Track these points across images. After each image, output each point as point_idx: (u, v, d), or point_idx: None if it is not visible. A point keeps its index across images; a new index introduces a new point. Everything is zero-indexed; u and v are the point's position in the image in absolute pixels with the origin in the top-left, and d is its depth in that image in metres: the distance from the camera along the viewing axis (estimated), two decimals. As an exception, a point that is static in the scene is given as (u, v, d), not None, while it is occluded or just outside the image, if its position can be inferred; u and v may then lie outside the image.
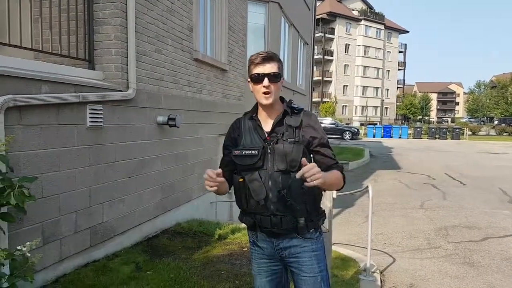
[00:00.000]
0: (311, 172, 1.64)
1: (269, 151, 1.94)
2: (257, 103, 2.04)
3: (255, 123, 2.03)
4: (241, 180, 1.98)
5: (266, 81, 1.91)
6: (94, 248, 3.91)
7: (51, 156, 3.29)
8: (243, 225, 2.13)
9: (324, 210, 2.12)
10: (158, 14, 4.85)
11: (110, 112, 4.02)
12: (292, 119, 1.98)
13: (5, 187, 2.44)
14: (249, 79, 1.99)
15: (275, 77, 1.93)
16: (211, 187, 1.81)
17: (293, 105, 2.04)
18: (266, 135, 1.98)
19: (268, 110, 2.00)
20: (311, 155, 1.99)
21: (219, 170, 1.81)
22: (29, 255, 2.47)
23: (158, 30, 4.86)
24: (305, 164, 1.66)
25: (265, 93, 1.93)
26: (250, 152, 1.95)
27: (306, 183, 1.65)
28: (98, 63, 4.13)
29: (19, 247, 2.43)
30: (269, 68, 1.93)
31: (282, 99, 2.06)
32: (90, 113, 3.71)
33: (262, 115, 2.04)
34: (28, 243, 2.46)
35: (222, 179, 1.82)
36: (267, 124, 2.01)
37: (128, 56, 4.21)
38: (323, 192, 2.05)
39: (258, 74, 1.92)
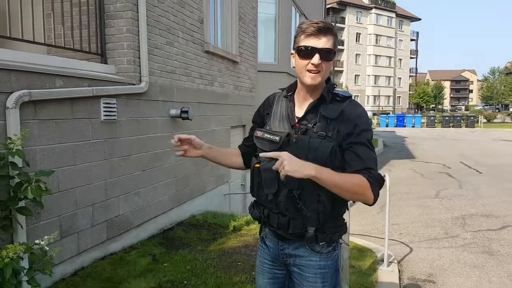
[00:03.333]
0: (279, 162, 1.41)
1: (294, 140, 1.63)
2: (297, 80, 1.72)
3: (288, 104, 1.73)
4: (257, 165, 1.72)
5: (316, 58, 1.56)
6: (110, 241, 3.93)
7: (67, 150, 3.31)
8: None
9: (345, 222, 1.76)
10: (169, 6, 4.82)
11: (123, 106, 4.02)
12: (329, 108, 1.63)
13: (22, 182, 2.46)
14: (293, 51, 1.65)
15: (328, 54, 1.59)
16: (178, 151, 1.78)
17: (336, 91, 1.67)
18: (296, 120, 1.68)
19: (309, 91, 1.68)
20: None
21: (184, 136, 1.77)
22: (47, 248, 2.49)
23: (169, 22, 4.84)
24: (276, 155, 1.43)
25: (311, 71, 1.59)
26: (271, 137, 1.67)
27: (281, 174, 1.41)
28: (110, 57, 4.13)
29: (37, 241, 2.45)
30: (324, 42, 1.57)
31: (327, 80, 1.70)
32: (104, 107, 3.72)
33: (299, 96, 1.72)
34: (46, 237, 2.48)
35: (193, 140, 1.77)
36: (301, 108, 1.69)
37: (140, 49, 4.20)
38: (349, 203, 1.71)
39: (308, 47, 1.57)
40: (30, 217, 2.75)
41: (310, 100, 1.67)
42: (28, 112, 2.90)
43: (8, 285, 2.07)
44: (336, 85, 1.73)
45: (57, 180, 3.20)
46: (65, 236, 3.33)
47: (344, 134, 1.58)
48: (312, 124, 1.63)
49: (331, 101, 1.64)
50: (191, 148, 1.83)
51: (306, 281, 1.72)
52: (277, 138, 1.65)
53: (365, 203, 1.57)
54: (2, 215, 2.53)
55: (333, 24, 1.68)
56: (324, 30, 1.57)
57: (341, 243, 1.77)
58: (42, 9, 3.71)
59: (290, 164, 1.40)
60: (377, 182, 1.54)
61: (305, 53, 1.58)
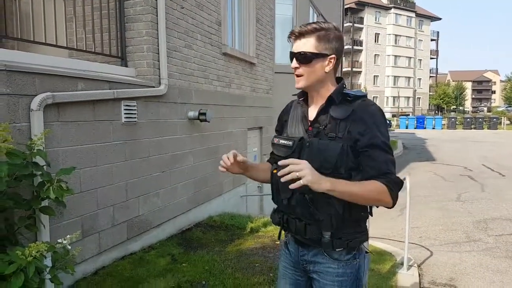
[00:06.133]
0: (287, 169, 1.41)
1: (307, 144, 1.63)
2: None
3: (301, 109, 1.75)
4: (274, 171, 1.72)
5: (294, 62, 1.65)
6: (130, 241, 3.99)
7: (89, 151, 3.37)
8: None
9: (366, 229, 1.72)
10: (187, 9, 4.87)
11: (143, 108, 4.08)
12: (338, 109, 1.61)
13: (45, 182, 2.52)
14: None
15: (304, 57, 1.61)
16: (222, 167, 1.73)
17: (346, 91, 1.65)
18: (309, 124, 1.69)
19: (315, 94, 1.70)
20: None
21: (235, 154, 1.73)
22: (69, 247, 2.53)
23: (187, 25, 4.89)
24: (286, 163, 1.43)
25: (296, 75, 1.66)
26: (285, 142, 1.69)
27: (291, 186, 1.42)
28: (130, 59, 4.20)
29: (60, 240, 2.50)
30: (300, 46, 1.63)
31: (339, 80, 1.71)
32: (124, 109, 3.78)
33: (311, 100, 1.74)
34: (68, 236, 2.52)
35: (245, 161, 1.74)
36: (314, 111, 1.70)
37: (159, 52, 4.25)
38: (369, 208, 1.67)
39: (290, 53, 1.66)
40: (53, 216, 2.81)
41: (321, 103, 1.67)
42: (51, 114, 2.97)
43: (31, 283, 2.12)
44: (345, 85, 1.71)
45: (79, 180, 3.27)
46: (87, 235, 3.39)
47: (356, 134, 1.55)
48: (323, 126, 1.62)
49: (342, 101, 1.62)
50: (236, 166, 1.78)
51: None
52: (290, 143, 1.67)
53: (384, 206, 1.57)
54: (26, 215, 2.59)
55: (326, 27, 1.62)
56: (299, 34, 1.62)
57: (366, 252, 1.73)
58: (64, 13, 3.80)
59: (312, 175, 1.42)
60: (396, 186, 1.53)
61: (290, 59, 1.67)
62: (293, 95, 1.85)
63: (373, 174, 1.52)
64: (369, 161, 1.54)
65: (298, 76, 1.66)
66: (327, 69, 1.63)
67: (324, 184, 1.44)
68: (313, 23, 1.63)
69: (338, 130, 1.58)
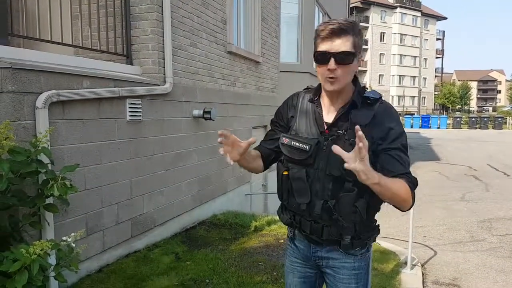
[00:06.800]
0: (359, 146, 1.27)
1: (324, 148, 1.56)
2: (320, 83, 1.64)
3: (315, 108, 1.65)
4: (285, 173, 1.67)
5: (332, 63, 1.47)
6: (135, 238, 4.00)
7: (93, 149, 3.38)
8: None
9: (378, 224, 1.73)
10: (192, 7, 4.87)
11: (148, 106, 4.09)
12: (360, 113, 1.54)
13: (49, 180, 2.53)
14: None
15: (345, 58, 1.47)
16: (225, 151, 1.59)
17: (367, 94, 1.57)
18: (325, 127, 1.60)
19: (333, 96, 1.60)
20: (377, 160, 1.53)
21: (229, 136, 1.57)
22: (74, 245, 2.55)
23: (193, 24, 4.89)
24: (359, 137, 1.28)
25: (330, 77, 1.50)
26: (300, 145, 1.60)
27: (345, 165, 1.32)
28: (135, 58, 4.21)
29: (64, 238, 2.51)
30: (339, 45, 1.46)
31: (355, 81, 1.61)
32: (129, 107, 3.78)
33: (325, 100, 1.64)
34: (73, 234, 2.54)
35: (243, 145, 1.57)
36: (329, 113, 1.62)
37: (164, 51, 4.26)
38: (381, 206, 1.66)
39: (322, 53, 1.49)
40: (57, 214, 2.82)
41: (338, 104, 1.60)
42: (56, 112, 2.98)
43: (35, 280, 2.13)
44: (367, 88, 1.66)
45: (84, 178, 3.28)
46: (91, 233, 3.41)
47: (377, 139, 1.51)
48: (344, 131, 1.54)
49: (362, 105, 1.56)
50: (235, 150, 1.64)
51: (341, 283, 1.71)
52: (307, 147, 1.58)
53: (402, 210, 1.53)
54: (31, 212, 2.60)
55: (355, 21, 1.52)
56: (338, 31, 1.46)
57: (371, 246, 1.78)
58: (70, 11, 3.81)
59: (366, 165, 1.33)
60: (415, 186, 1.51)
61: (321, 59, 1.50)
62: (306, 88, 1.76)
63: (399, 173, 1.48)
64: (392, 161, 1.50)
65: (334, 77, 1.50)
66: (357, 68, 1.56)
67: (372, 177, 1.35)
68: (346, 19, 1.51)
69: None
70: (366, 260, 1.71)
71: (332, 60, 1.47)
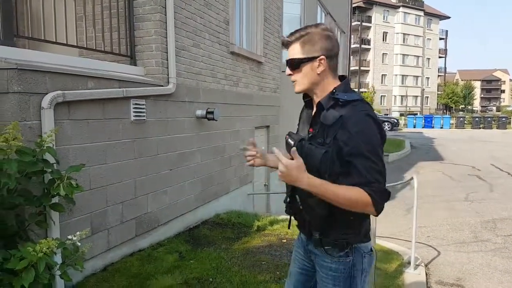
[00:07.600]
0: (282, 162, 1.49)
1: (301, 146, 1.70)
2: None
3: (307, 110, 1.83)
4: None
5: (287, 70, 1.72)
6: (139, 237, 4.03)
7: (98, 149, 3.41)
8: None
9: (361, 231, 1.69)
10: (195, 8, 4.90)
11: (152, 107, 4.11)
12: (327, 114, 1.60)
13: (55, 179, 2.56)
14: None
15: (292, 64, 1.69)
16: (249, 161, 1.84)
17: (337, 96, 1.61)
18: (310, 126, 1.74)
19: (312, 96, 1.76)
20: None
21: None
22: (79, 244, 2.57)
23: (196, 24, 4.91)
24: (292, 155, 1.49)
25: (292, 81, 1.73)
26: (290, 141, 1.80)
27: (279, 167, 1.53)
28: (139, 58, 4.23)
29: (69, 237, 2.53)
30: (289, 53, 1.71)
31: (343, 78, 1.73)
32: (134, 108, 3.81)
33: (313, 101, 1.78)
34: (78, 232, 2.56)
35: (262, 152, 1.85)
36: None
37: (168, 51, 4.28)
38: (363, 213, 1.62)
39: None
40: (63, 213, 2.85)
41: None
42: (61, 113, 3.01)
43: (41, 278, 2.16)
44: (349, 84, 1.75)
45: (89, 178, 3.31)
46: (96, 232, 3.43)
47: (340, 142, 1.53)
48: (316, 131, 1.65)
49: (333, 106, 1.60)
50: (258, 158, 1.90)
51: (321, 280, 1.78)
52: (293, 143, 1.75)
53: (373, 215, 1.58)
54: (37, 211, 2.63)
55: (304, 29, 1.67)
56: (286, 43, 1.71)
57: (364, 253, 1.71)
58: (74, 13, 3.84)
59: (289, 175, 1.49)
60: (381, 196, 1.50)
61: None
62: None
63: (356, 182, 1.49)
64: (351, 169, 1.51)
65: (293, 81, 1.72)
66: (319, 70, 1.65)
67: (298, 182, 1.50)
68: (299, 29, 1.69)
69: (327, 136, 1.58)
70: (347, 266, 1.68)
71: (287, 67, 1.72)
